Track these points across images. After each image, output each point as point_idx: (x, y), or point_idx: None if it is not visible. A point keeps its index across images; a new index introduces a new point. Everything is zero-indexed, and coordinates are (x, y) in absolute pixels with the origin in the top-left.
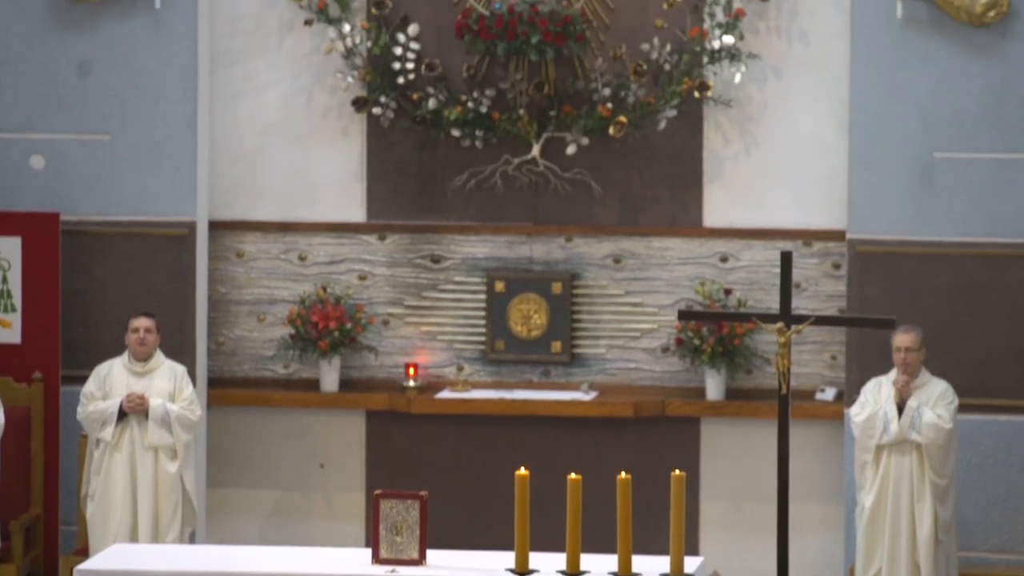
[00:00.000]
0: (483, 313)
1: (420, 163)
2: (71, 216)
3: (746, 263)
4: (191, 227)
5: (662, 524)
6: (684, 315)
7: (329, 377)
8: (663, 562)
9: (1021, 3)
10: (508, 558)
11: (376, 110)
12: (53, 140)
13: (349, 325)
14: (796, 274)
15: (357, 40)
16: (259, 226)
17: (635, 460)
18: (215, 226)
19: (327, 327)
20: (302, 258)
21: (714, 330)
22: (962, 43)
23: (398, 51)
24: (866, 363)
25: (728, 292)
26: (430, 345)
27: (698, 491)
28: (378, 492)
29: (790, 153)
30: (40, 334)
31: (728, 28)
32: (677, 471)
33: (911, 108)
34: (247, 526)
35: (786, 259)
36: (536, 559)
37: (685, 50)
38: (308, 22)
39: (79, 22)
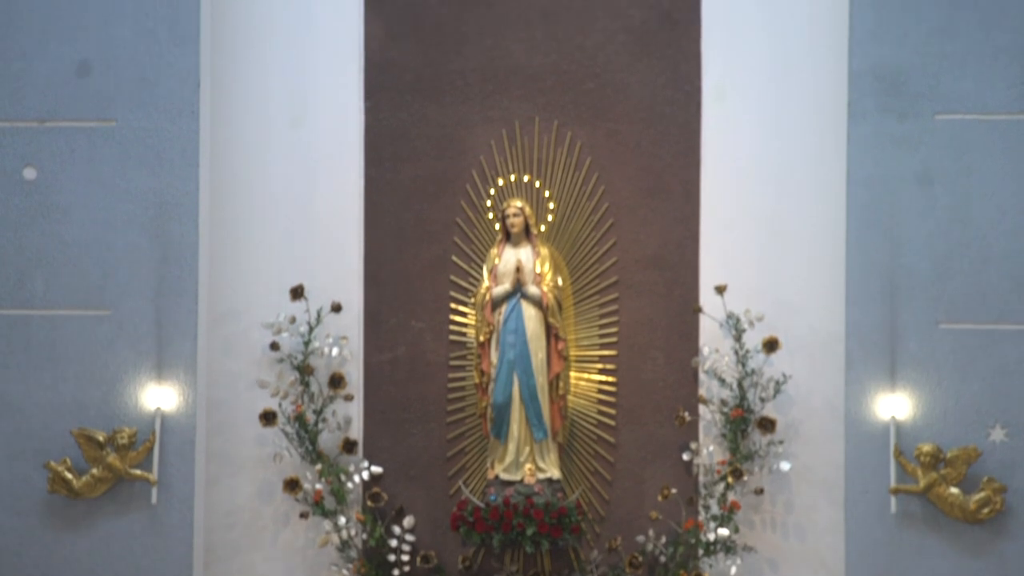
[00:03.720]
0: None
1: None
2: None
3: None
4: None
5: None
6: None
7: None
8: None
9: (1016, 500)
10: None
11: None
12: None
13: None
14: None
15: (352, 532)
16: None
17: None
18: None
19: None
20: None
21: None
22: (956, 540)
23: (393, 543)
24: None
25: None
26: None
27: None
28: None
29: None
30: None
31: (723, 521)
32: None
33: None
34: None
35: None
36: None
37: (680, 542)
38: (304, 515)
39: (75, 521)
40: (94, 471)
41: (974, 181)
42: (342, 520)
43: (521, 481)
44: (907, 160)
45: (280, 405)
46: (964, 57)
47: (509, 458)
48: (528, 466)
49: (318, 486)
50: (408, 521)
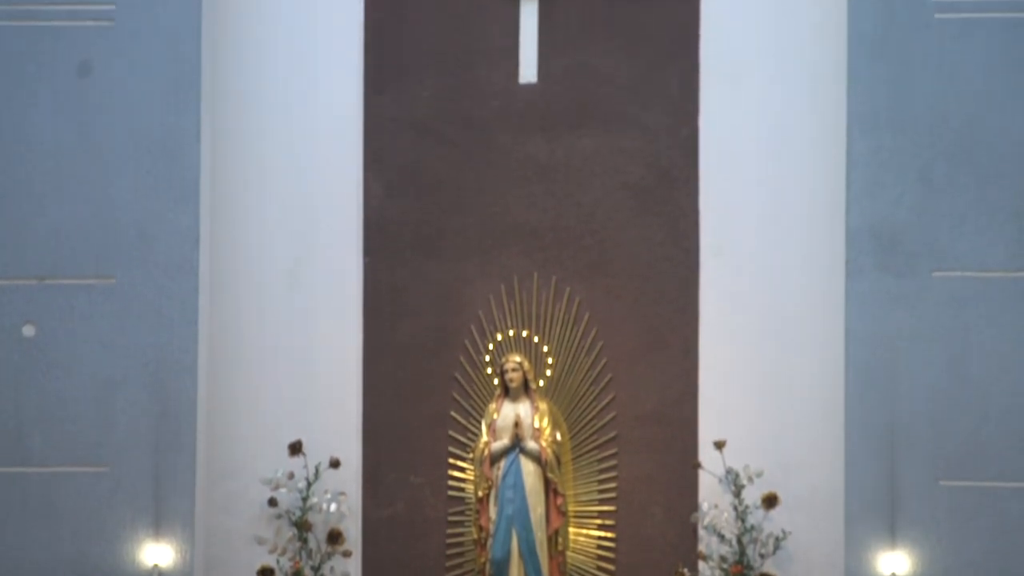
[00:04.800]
0: None
1: None
2: None
3: None
4: None
5: None
6: None
7: None
8: None
9: None
10: None
11: None
12: None
13: None
14: None
15: None
16: None
17: None
18: None
19: None
20: None
21: None
22: None
23: None
24: None
25: None
26: None
27: None
28: None
29: None
30: None
31: None
32: None
33: None
34: None
35: None
36: None
37: None
38: None
39: None
40: None
41: (972, 338)
42: None
43: None
44: (905, 317)
45: (278, 562)
46: (961, 215)
47: None
48: None
49: None
50: None
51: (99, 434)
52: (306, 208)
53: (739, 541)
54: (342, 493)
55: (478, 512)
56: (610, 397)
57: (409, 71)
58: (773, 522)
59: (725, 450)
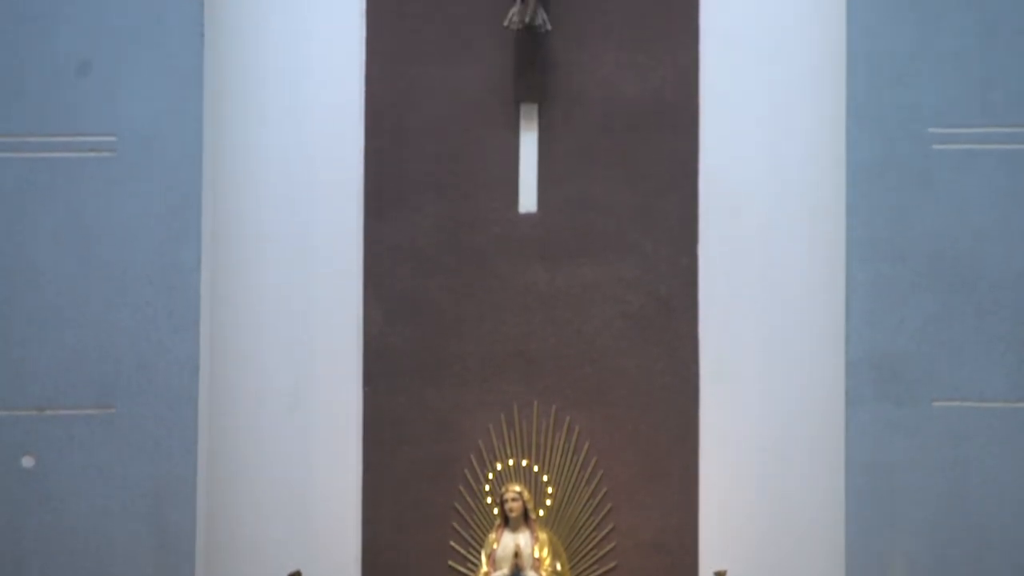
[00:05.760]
0: None
1: None
2: None
3: None
4: None
5: None
6: None
7: None
8: None
9: None
10: None
11: None
12: None
13: None
14: None
15: None
16: None
17: None
18: None
19: None
20: None
21: None
22: None
23: None
24: None
25: None
26: None
27: None
28: None
29: None
30: None
31: None
32: None
33: None
34: None
35: None
36: None
37: None
38: None
39: None
40: None
41: (973, 468)
42: None
43: None
44: (906, 446)
45: None
46: (961, 345)
47: None
48: None
49: None
50: None
51: (97, 566)
52: (306, 337)
53: None
54: None
55: None
56: (610, 527)
57: (409, 199)
58: None
59: None
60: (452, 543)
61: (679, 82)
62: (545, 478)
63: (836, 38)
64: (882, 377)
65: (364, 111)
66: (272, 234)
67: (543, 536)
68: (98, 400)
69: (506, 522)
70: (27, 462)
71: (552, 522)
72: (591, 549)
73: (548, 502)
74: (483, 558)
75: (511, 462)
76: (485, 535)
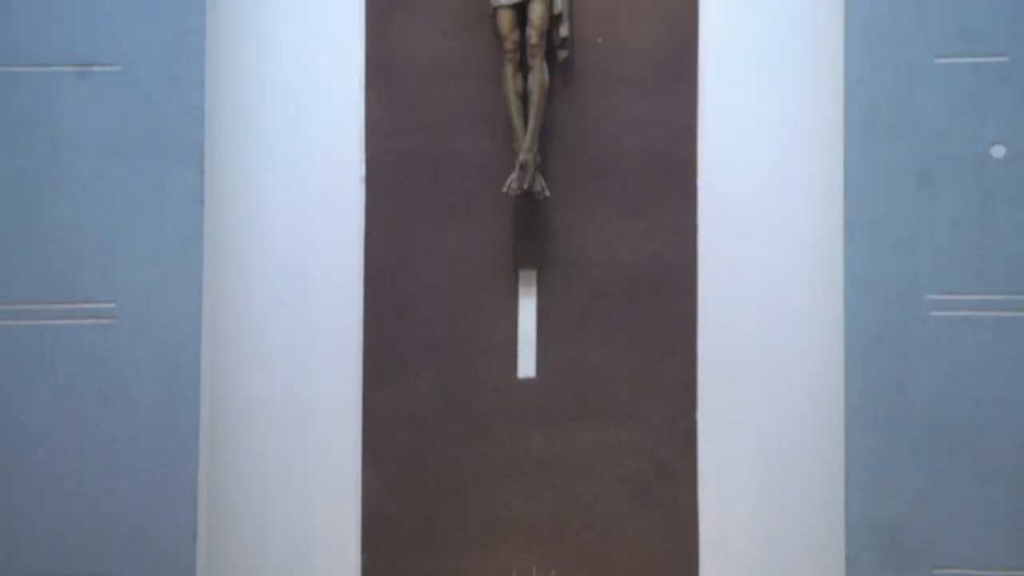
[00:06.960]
0: None
1: None
2: None
3: None
4: None
5: None
6: None
7: None
8: None
9: None
10: None
11: None
12: None
13: None
14: None
15: None
16: None
17: None
18: None
19: None
20: None
21: None
22: None
23: None
24: None
25: None
26: None
27: None
28: None
29: None
30: None
31: None
32: None
33: None
34: None
35: None
36: None
37: None
38: None
39: None
40: None
41: None
42: None
43: None
44: None
45: None
46: (960, 512)
47: None
48: None
49: None
50: None
51: None
52: (305, 505)
53: None
54: None
55: None
56: None
57: (408, 365)
58: None
59: None
60: None
61: (679, 246)
62: None
63: (835, 208)
64: (882, 544)
65: (364, 277)
66: (270, 399)
67: None
68: (95, 569)
69: None
70: None
71: None
72: None
73: None
74: None
75: None
76: None
